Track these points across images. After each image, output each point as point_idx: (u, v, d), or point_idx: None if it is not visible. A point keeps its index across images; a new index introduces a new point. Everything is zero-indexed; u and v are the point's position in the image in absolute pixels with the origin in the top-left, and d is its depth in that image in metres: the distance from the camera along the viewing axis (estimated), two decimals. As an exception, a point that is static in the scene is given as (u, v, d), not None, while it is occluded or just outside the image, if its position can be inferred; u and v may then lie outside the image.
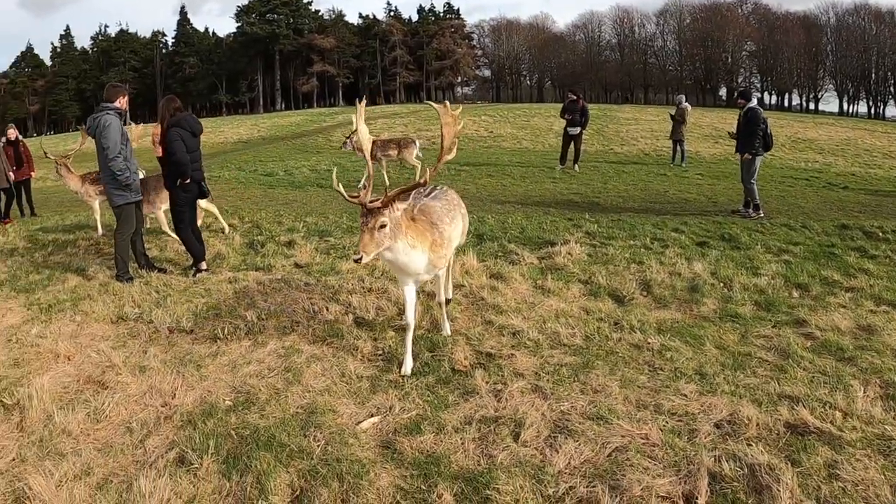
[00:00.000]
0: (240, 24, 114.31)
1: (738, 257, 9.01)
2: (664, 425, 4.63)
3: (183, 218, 9.03)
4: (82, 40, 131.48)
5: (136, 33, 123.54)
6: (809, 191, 16.93)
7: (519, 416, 4.78)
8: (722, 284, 7.83)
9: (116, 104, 8.69)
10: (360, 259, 5.08)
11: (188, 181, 8.80)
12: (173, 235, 10.11)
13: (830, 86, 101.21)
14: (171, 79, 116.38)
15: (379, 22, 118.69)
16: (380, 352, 6.12)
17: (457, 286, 7.85)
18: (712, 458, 4.22)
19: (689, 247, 9.62)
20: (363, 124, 5.80)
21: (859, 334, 6.39)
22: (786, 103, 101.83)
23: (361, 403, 5.08)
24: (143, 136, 15.11)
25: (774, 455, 4.25)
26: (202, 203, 10.35)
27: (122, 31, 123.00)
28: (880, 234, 10.68)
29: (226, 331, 6.72)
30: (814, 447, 4.34)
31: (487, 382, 5.35)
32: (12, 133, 16.21)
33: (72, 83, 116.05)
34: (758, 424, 4.62)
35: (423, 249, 5.58)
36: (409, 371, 5.63)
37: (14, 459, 4.66)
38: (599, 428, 4.62)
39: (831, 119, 56.38)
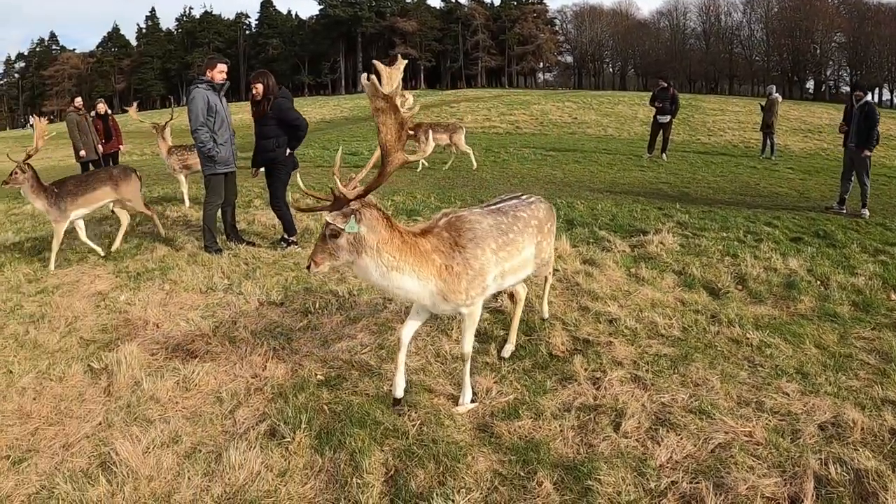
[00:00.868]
0: (322, 6, 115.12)
1: (833, 255, 8.67)
2: (767, 424, 4.45)
3: (283, 191, 9.26)
4: (167, 21, 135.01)
5: (219, 15, 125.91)
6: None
7: (619, 406, 4.66)
8: (819, 282, 7.53)
9: (207, 76, 8.80)
10: (309, 268, 4.31)
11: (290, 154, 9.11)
12: (56, 252, 8.67)
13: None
14: (254, 59, 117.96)
15: (461, 6, 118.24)
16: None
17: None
18: (818, 461, 4.04)
19: (782, 242, 9.29)
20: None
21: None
22: (875, 98, 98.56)
23: (457, 384, 5.00)
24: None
25: (881, 461, 4.05)
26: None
27: (206, 12, 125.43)
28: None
29: (317, 305, 6.74)
30: (921, 457, 4.10)
31: (586, 369, 5.24)
32: (102, 107, 16.58)
33: (157, 63, 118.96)
34: (862, 429, 4.43)
35: (422, 276, 4.33)
36: (398, 395, 4.72)
37: (101, 424, 4.73)
38: (701, 423, 4.47)
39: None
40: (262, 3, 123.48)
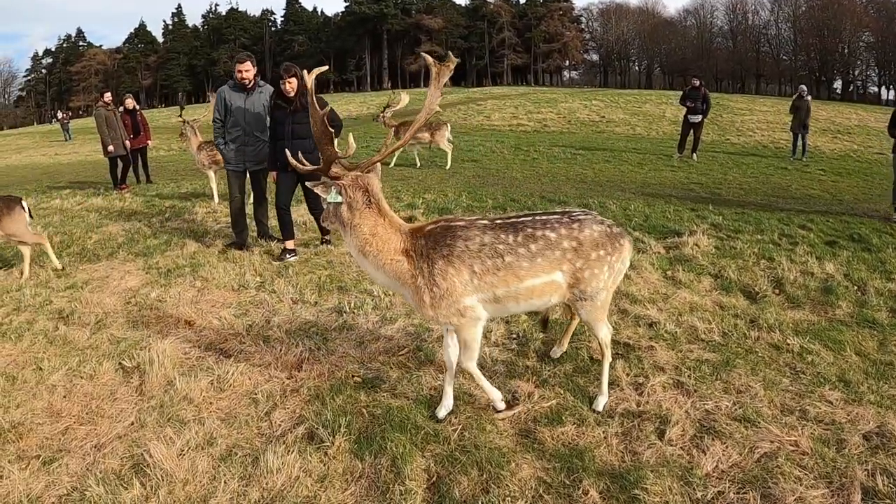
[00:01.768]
0: (348, 3, 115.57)
1: (869, 259, 8.48)
2: (812, 433, 4.33)
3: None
4: (193, 18, 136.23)
5: (245, 12, 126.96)
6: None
7: (663, 413, 4.56)
8: (856, 287, 7.36)
9: (236, 75, 8.79)
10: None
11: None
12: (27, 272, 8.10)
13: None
14: (280, 56, 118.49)
15: (487, 3, 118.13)
16: (514, 335, 5.94)
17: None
18: (865, 472, 3.93)
19: (818, 245, 9.11)
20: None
21: None
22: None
23: (498, 388, 4.84)
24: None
25: (928, 474, 3.89)
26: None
27: (232, 9, 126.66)
28: None
29: (351, 304, 6.66)
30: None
31: (628, 375, 5.13)
32: (130, 102, 16.73)
33: (183, 59, 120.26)
34: (907, 439, 4.27)
35: (388, 273, 4.33)
36: (442, 415, 4.56)
37: (133, 424, 4.68)
38: (746, 431, 4.36)
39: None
40: (287, 0, 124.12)
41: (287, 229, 8.66)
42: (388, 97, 22.18)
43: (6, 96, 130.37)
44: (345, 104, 49.28)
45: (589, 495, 3.72)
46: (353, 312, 6.52)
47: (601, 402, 4.66)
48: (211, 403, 4.88)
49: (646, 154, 20.89)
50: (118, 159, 15.76)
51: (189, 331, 6.24)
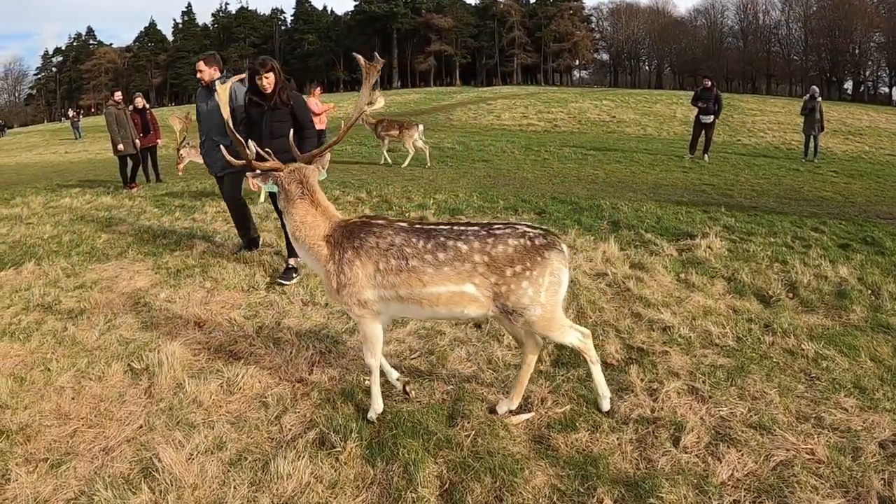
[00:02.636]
0: (358, 2, 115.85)
1: (883, 263, 8.36)
2: (828, 441, 4.25)
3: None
4: (203, 17, 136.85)
5: (255, 10, 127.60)
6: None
7: (678, 420, 4.46)
8: (870, 291, 7.26)
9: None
10: None
11: None
12: None
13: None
14: (289, 55, 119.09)
15: (497, 2, 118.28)
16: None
17: (600, 274, 7.59)
18: (881, 481, 3.85)
19: (831, 248, 9.01)
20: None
21: None
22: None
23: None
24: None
25: (946, 484, 3.84)
26: None
27: (242, 8, 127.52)
28: None
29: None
30: None
31: (642, 380, 5.04)
32: (140, 101, 16.80)
33: (193, 57, 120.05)
34: (923, 448, 4.21)
35: (312, 256, 4.60)
36: (370, 417, 4.61)
37: (142, 427, 4.64)
38: (762, 438, 4.28)
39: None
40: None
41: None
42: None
43: (17, 94, 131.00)
44: (355, 102, 49.45)
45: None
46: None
47: (604, 403, 4.60)
48: (220, 407, 4.84)
49: (657, 155, 20.84)
50: (128, 158, 15.83)
51: (198, 332, 6.21)
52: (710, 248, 8.59)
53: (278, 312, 6.65)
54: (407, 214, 10.79)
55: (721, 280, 7.47)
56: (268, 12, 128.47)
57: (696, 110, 19.97)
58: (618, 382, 5.01)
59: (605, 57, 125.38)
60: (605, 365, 5.27)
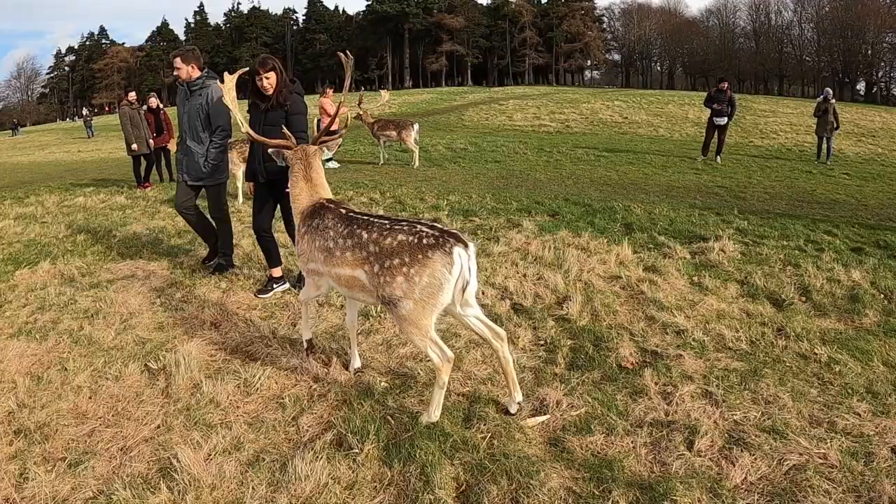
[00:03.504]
0: (370, 2, 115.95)
1: (896, 268, 8.36)
2: (841, 446, 4.25)
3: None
4: (215, 17, 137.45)
5: (267, 10, 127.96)
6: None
7: (692, 423, 4.47)
8: (882, 296, 7.23)
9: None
10: None
11: None
12: None
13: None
14: (301, 55, 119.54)
15: (509, 2, 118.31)
16: (541, 342, 5.88)
17: (613, 277, 7.59)
18: (893, 486, 3.84)
19: (843, 252, 8.97)
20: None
21: None
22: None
23: (525, 396, 4.83)
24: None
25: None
26: None
27: (254, 8, 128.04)
28: None
29: (378, 308, 6.56)
30: None
31: (657, 383, 5.04)
32: (153, 101, 16.88)
33: (205, 57, 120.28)
34: (935, 454, 4.20)
35: (295, 222, 5.44)
36: (350, 371, 5.36)
37: (159, 427, 4.65)
38: (775, 443, 4.27)
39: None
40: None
41: (271, 256, 7.46)
42: (361, 95, 22.73)
43: (29, 93, 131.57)
44: (367, 102, 49.26)
45: (619, 506, 3.68)
46: (380, 316, 6.46)
47: (423, 418, 4.51)
48: (238, 407, 4.86)
49: (669, 156, 20.78)
50: (141, 157, 15.92)
51: (215, 333, 6.22)
52: (723, 251, 8.59)
53: (294, 313, 6.67)
54: (421, 216, 10.78)
55: (734, 283, 7.47)
56: (280, 12, 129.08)
57: (708, 112, 19.96)
58: (632, 386, 5.02)
59: (617, 57, 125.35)
60: (620, 368, 5.31)
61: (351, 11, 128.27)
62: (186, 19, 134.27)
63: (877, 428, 4.49)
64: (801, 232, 10.09)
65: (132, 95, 16.37)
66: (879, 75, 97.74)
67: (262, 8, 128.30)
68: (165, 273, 8.05)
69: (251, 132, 5.65)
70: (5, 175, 23.52)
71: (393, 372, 5.35)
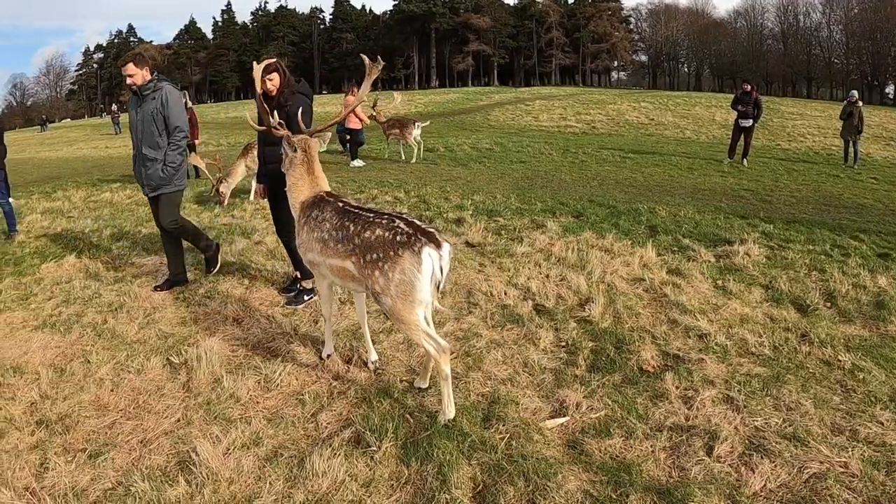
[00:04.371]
0: (396, 1, 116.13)
1: (924, 274, 8.23)
2: (862, 455, 4.19)
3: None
4: (242, 15, 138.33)
5: (294, 9, 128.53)
6: None
7: (712, 428, 4.42)
8: (909, 303, 7.14)
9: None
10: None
11: None
12: None
13: None
14: (328, 53, 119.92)
15: (535, 2, 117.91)
16: (562, 343, 5.85)
17: (637, 279, 7.53)
18: (916, 496, 3.76)
19: (870, 258, 8.85)
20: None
21: None
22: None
23: (545, 397, 4.84)
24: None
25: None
26: None
27: (281, 7, 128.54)
28: None
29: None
30: None
31: (677, 387, 5.00)
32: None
33: (232, 55, 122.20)
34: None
35: (293, 212, 5.57)
36: (324, 355, 5.64)
37: (179, 421, 4.70)
38: (796, 450, 4.23)
39: None
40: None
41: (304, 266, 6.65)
42: (375, 97, 23.40)
43: (58, 90, 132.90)
44: (393, 101, 49.55)
45: (636, 511, 3.65)
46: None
47: (440, 417, 4.52)
48: (258, 403, 4.89)
49: (695, 158, 20.62)
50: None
51: (237, 328, 6.28)
52: (747, 254, 8.51)
53: (315, 311, 6.68)
54: (445, 215, 10.84)
55: (758, 288, 7.39)
56: (306, 11, 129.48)
57: (735, 114, 19.82)
58: (653, 389, 4.98)
59: (644, 58, 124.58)
60: (641, 371, 5.27)
61: (378, 11, 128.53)
62: (214, 18, 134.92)
63: (899, 437, 4.42)
64: (828, 237, 9.97)
65: (162, 93, 16.51)
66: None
67: (288, 7, 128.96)
68: (189, 268, 8.09)
69: (270, 121, 5.71)
70: (33, 170, 23.76)
71: (412, 370, 5.36)
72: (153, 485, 3.86)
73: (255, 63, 6.14)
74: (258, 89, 5.98)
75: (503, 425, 4.44)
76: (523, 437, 4.32)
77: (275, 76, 6.72)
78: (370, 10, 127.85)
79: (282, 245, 7.65)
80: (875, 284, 7.55)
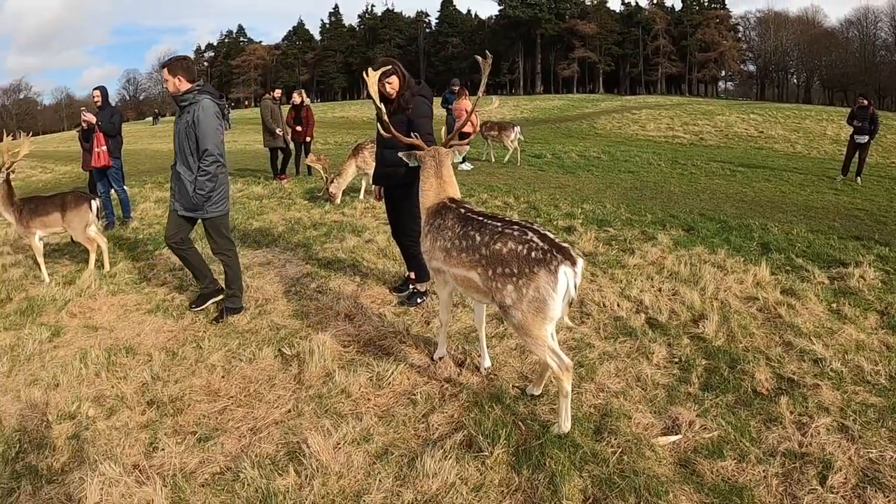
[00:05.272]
0: (502, 6, 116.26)
1: None
2: (982, 496, 3.98)
3: (414, 222, 6.70)
4: (349, 18, 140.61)
5: (401, 13, 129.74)
6: None
7: (826, 457, 4.28)
8: None
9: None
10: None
11: None
12: (42, 265, 8.37)
13: None
14: (434, 57, 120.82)
15: (642, 9, 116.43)
16: (675, 359, 5.74)
17: (750, 298, 7.33)
18: None
19: None
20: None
21: None
22: None
23: (657, 413, 4.77)
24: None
25: None
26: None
27: (387, 10, 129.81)
28: None
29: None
30: None
31: (792, 413, 4.83)
32: (297, 97, 17.32)
33: (339, 57, 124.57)
34: None
35: (422, 216, 5.53)
36: (438, 356, 5.68)
37: (290, 411, 4.81)
38: (911, 486, 4.04)
39: None
40: (442, 3, 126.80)
41: (422, 268, 6.73)
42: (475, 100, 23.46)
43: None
44: (499, 107, 49.43)
45: (746, 537, 3.55)
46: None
47: (554, 428, 4.48)
48: (369, 399, 4.97)
49: (807, 174, 19.98)
50: (278, 151, 16.43)
51: (349, 325, 6.40)
52: (862, 277, 8.16)
53: (428, 312, 6.78)
54: (555, 223, 10.78)
55: (874, 313, 7.07)
56: (413, 14, 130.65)
57: (849, 129, 19.16)
58: (767, 412, 4.84)
59: (752, 68, 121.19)
60: (755, 393, 5.13)
61: (483, 15, 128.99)
62: (322, 20, 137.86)
63: None
64: (949, 263, 9.52)
65: (278, 92, 17.08)
66: None
67: (395, 10, 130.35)
68: (300, 262, 8.29)
69: (392, 131, 5.67)
70: (146, 161, 24.65)
71: (525, 378, 5.36)
72: (262, 472, 3.98)
73: (369, 70, 6.01)
74: (374, 95, 5.85)
75: (615, 439, 4.40)
76: (635, 452, 4.27)
77: (394, 79, 6.63)
78: (475, 14, 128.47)
79: (394, 244, 7.76)
80: None
